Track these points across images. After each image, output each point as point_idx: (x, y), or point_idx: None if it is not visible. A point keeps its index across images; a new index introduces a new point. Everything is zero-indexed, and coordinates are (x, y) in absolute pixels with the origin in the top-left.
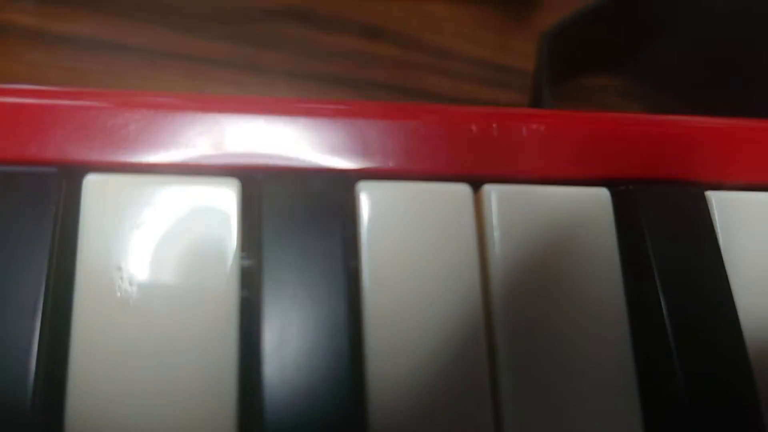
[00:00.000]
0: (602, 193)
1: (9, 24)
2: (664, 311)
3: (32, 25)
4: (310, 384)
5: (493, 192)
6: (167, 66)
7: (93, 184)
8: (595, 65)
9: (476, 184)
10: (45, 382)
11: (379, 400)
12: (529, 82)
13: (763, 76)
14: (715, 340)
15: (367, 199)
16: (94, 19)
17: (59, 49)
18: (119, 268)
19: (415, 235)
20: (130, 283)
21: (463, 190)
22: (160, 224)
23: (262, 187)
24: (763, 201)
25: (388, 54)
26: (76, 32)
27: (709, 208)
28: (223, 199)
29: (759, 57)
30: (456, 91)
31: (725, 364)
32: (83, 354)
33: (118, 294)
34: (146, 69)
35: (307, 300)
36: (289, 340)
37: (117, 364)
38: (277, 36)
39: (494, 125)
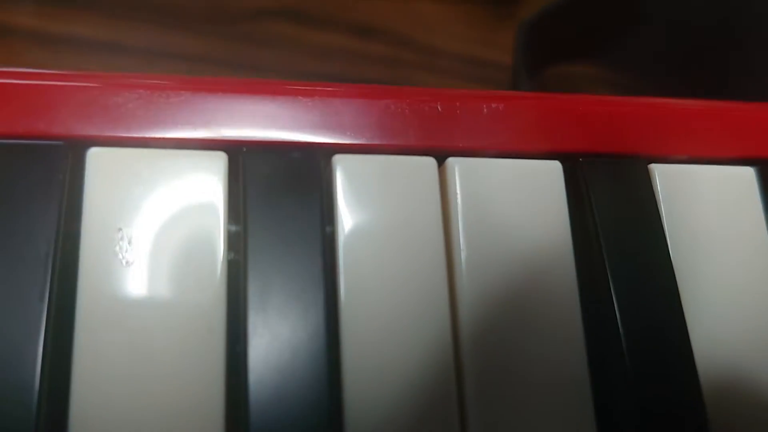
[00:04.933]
0: (555, 166)
1: (9, 25)
2: (610, 280)
3: (32, 26)
4: (290, 328)
5: (456, 164)
6: (164, 65)
7: (96, 157)
8: (573, 54)
9: (441, 158)
10: (54, 327)
11: (352, 345)
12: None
13: (740, 63)
14: (655, 304)
15: (342, 171)
16: (93, 20)
17: (59, 49)
18: (119, 230)
19: (385, 203)
20: (129, 243)
21: (429, 162)
22: (156, 193)
23: (246, 159)
24: (702, 173)
25: (378, 52)
26: (76, 33)
27: (652, 179)
28: (212, 171)
29: (736, 44)
30: (443, 87)
31: (664, 332)
32: (88, 304)
33: (119, 253)
34: (144, 68)
35: (287, 260)
36: (270, 294)
37: (117, 315)
38: (270, 35)
39: (457, 104)
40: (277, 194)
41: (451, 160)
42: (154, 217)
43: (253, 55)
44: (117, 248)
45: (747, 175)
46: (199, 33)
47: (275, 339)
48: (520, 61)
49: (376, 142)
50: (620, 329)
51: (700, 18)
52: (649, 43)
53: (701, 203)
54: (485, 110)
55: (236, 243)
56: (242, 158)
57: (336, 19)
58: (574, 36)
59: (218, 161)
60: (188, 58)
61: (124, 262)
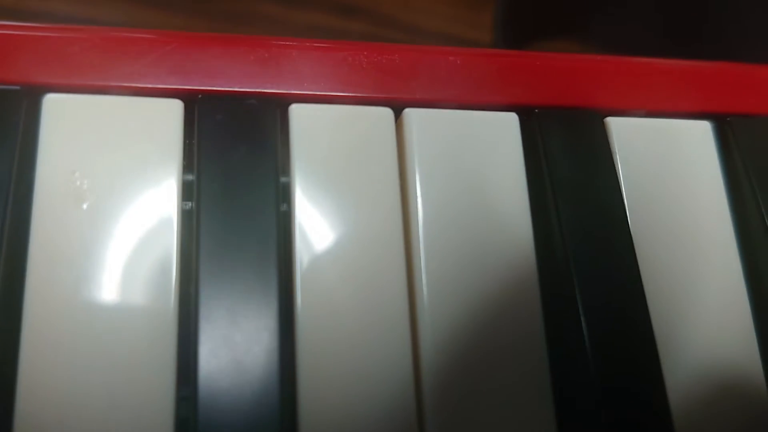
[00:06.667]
0: (511, 118)
1: None
2: (564, 233)
3: (9, 2)
4: (242, 273)
5: (413, 115)
6: None
7: (51, 102)
8: (553, 30)
9: (399, 109)
10: (5, 269)
11: (305, 291)
12: None
13: (717, 37)
14: (610, 257)
15: (298, 120)
16: None
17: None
18: (74, 173)
19: (341, 153)
20: (84, 186)
21: (385, 112)
22: (111, 139)
23: (199, 106)
24: (658, 126)
25: (361, 31)
26: (54, 9)
27: (609, 132)
28: (167, 118)
29: (715, 19)
30: None
31: (620, 284)
32: (41, 244)
33: (74, 194)
34: None
35: (241, 210)
36: (223, 243)
37: (71, 255)
38: (253, 13)
39: (416, 57)
40: (232, 143)
41: (409, 111)
42: (109, 162)
43: (235, 33)
44: (71, 190)
45: (703, 128)
46: (180, 10)
47: (226, 283)
48: (499, 38)
49: (333, 92)
50: (574, 280)
51: None
52: (629, 17)
53: (657, 156)
54: (443, 63)
55: (191, 192)
56: (197, 106)
57: None
58: (553, 12)
59: (173, 109)
60: None
61: (78, 203)
